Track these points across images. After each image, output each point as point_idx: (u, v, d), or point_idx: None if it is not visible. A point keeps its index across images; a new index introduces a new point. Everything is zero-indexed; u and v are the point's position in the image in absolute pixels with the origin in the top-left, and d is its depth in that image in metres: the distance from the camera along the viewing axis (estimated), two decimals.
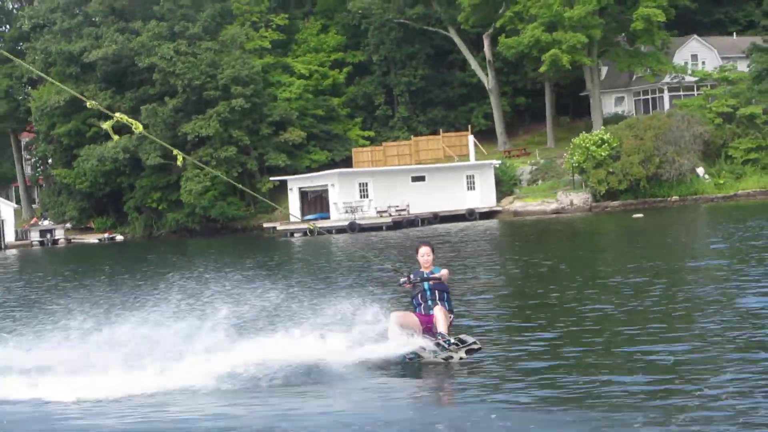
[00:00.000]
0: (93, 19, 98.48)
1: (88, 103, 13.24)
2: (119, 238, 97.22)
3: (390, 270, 17.84)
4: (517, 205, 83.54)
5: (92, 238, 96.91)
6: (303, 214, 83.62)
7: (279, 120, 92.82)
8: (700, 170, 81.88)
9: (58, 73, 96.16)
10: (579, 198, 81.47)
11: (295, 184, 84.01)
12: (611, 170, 79.83)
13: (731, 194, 79.65)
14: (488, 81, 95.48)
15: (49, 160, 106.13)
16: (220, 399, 13.66)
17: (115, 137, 13.27)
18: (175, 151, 13.68)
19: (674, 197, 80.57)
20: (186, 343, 15.78)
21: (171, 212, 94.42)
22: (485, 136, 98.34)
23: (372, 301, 16.71)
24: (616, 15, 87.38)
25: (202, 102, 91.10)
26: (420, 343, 15.12)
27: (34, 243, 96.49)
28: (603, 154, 79.69)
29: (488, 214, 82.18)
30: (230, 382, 14.27)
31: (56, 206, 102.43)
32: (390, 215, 77.58)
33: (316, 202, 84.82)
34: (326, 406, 12.92)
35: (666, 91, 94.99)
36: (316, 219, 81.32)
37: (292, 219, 77.88)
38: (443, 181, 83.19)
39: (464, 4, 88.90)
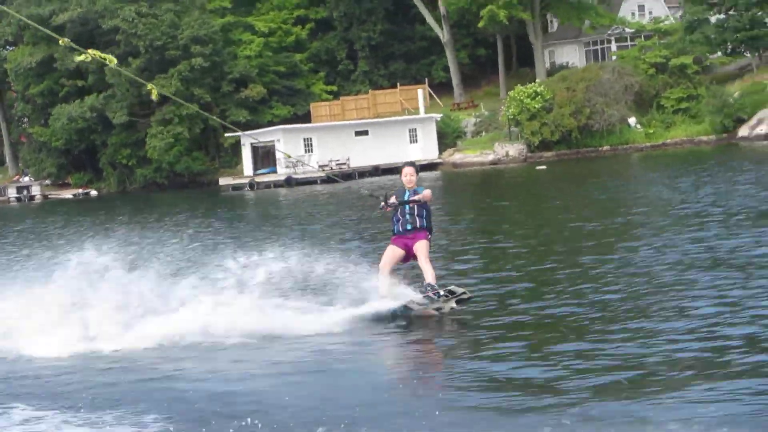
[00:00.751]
0: None
1: (61, 41, 13.17)
2: (93, 193, 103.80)
3: (368, 196, 17.39)
4: (457, 157, 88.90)
5: (67, 194, 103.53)
6: (255, 168, 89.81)
7: (240, 77, 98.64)
8: (632, 120, 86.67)
9: (31, 36, 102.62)
10: (514, 149, 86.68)
11: (248, 140, 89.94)
12: (544, 122, 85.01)
13: (659, 143, 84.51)
14: (443, 35, 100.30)
15: (26, 119, 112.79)
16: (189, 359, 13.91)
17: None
18: (149, 85, 13.82)
19: (605, 147, 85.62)
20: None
21: (140, 168, 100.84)
22: (445, 88, 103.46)
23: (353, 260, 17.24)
24: None
25: (164, 62, 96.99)
26: (409, 297, 15.59)
27: (11, 199, 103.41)
28: (536, 106, 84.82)
29: (429, 167, 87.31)
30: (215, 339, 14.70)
31: (36, 163, 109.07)
32: (331, 169, 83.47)
33: (267, 156, 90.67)
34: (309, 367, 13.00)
35: (613, 42, 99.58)
36: (265, 173, 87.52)
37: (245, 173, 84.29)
38: (386, 136, 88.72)
39: None
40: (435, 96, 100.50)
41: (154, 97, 14.23)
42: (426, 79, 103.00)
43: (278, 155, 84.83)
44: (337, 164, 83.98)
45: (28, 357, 14.63)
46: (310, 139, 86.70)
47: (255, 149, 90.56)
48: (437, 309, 15.52)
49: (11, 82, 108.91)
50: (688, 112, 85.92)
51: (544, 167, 70.88)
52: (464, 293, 15.46)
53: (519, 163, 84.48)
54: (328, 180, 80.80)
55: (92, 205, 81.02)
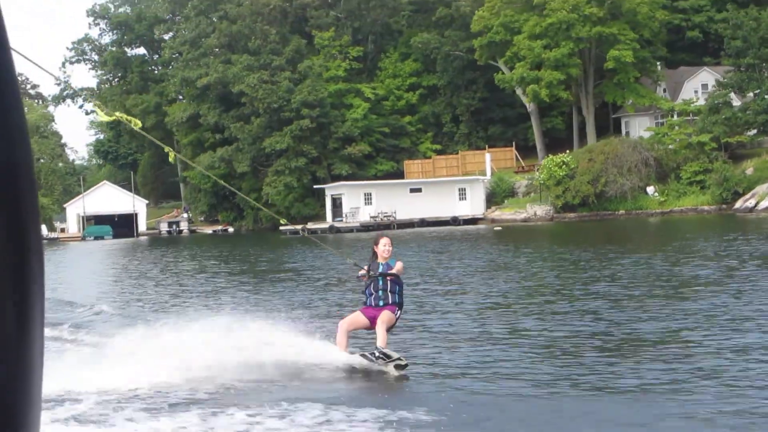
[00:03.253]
0: (214, 50, 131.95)
1: (92, 104, 18.61)
2: (230, 230, 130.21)
3: (350, 263, 18.98)
4: (496, 213, 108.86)
5: (209, 230, 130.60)
6: (334, 216, 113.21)
7: (344, 136, 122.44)
8: (650, 189, 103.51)
9: (189, 95, 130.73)
10: (542, 210, 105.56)
11: (329, 192, 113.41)
12: (567, 187, 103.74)
13: (668, 210, 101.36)
14: (528, 105, 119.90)
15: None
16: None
17: (114, 116, 13.16)
18: (167, 149, 14.79)
19: (621, 211, 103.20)
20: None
21: (262, 211, 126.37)
22: (533, 151, 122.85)
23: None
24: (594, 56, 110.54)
25: (281, 121, 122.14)
26: (355, 360, 16.83)
27: (162, 232, 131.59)
28: (561, 173, 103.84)
29: (472, 221, 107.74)
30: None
31: (194, 201, 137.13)
32: (381, 219, 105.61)
33: (341, 206, 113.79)
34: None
35: (676, 115, 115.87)
36: (337, 221, 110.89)
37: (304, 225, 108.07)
38: (437, 193, 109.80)
39: (474, 45, 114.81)
40: (520, 158, 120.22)
41: (171, 160, 15.08)
42: (514, 143, 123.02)
43: (343, 206, 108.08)
44: (384, 216, 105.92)
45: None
46: (370, 193, 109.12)
47: (333, 200, 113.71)
48: (380, 371, 16.34)
49: (174, 133, 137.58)
50: (701, 183, 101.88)
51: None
52: (399, 359, 16.20)
53: (545, 221, 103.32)
54: (363, 228, 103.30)
55: (221, 241, 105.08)
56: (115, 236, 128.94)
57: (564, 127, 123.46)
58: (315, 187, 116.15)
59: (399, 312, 17.11)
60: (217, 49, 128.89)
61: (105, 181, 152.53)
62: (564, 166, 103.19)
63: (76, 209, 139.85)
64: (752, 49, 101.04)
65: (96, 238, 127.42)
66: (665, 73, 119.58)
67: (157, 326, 19.00)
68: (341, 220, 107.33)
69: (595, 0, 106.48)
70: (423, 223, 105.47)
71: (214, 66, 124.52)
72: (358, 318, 17.19)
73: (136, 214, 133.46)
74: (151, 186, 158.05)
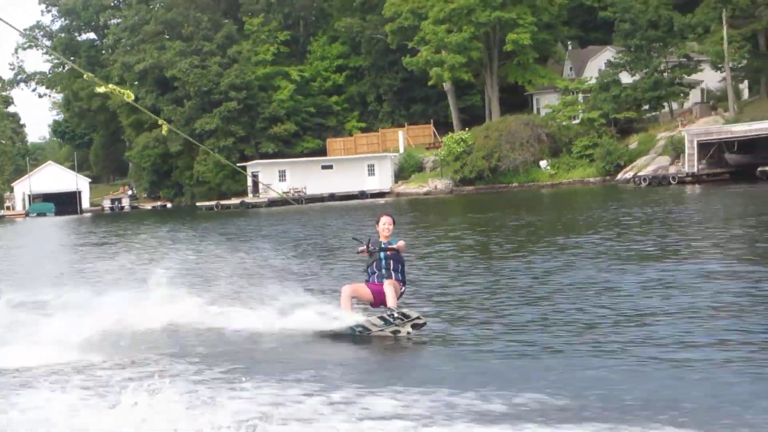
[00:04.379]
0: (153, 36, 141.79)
1: (85, 75, 14.70)
2: (168, 205, 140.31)
3: (351, 238, 19.03)
4: (402, 188, 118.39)
5: (149, 206, 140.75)
6: (254, 192, 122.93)
7: (271, 117, 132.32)
8: (543, 162, 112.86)
9: (129, 79, 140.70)
10: (442, 184, 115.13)
11: (249, 170, 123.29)
12: (464, 162, 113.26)
13: (557, 182, 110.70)
14: (445, 84, 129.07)
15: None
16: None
17: (107, 87, 13.67)
18: (160, 120, 15.53)
19: (515, 184, 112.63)
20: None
21: (197, 187, 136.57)
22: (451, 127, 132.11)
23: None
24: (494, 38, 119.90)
25: (211, 103, 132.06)
26: (366, 317, 17.13)
27: (105, 209, 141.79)
28: (459, 150, 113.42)
29: (379, 194, 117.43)
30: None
31: (138, 179, 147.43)
32: (291, 195, 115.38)
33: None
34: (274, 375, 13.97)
35: (581, 95, 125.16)
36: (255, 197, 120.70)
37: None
38: (348, 170, 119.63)
39: (386, 30, 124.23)
40: (437, 135, 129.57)
41: (164, 132, 15.71)
42: (432, 120, 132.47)
43: (249, 182, 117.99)
44: (295, 191, 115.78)
45: None
46: (284, 171, 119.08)
47: (255, 176, 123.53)
48: (394, 332, 16.73)
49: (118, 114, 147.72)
50: (590, 157, 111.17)
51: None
52: (418, 318, 16.68)
53: (445, 195, 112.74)
54: (270, 204, 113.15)
55: (156, 216, 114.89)
56: (59, 213, 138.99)
57: (481, 105, 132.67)
58: (238, 165, 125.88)
59: (404, 287, 17.65)
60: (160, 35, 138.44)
61: (50, 161, 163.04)
62: (462, 142, 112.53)
63: (22, 188, 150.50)
64: (640, 31, 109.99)
65: (39, 215, 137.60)
66: (574, 53, 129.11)
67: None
68: (258, 196, 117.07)
69: None
70: (333, 197, 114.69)
71: (150, 52, 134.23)
72: (362, 287, 17.56)
73: (79, 192, 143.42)
74: (102, 164, 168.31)
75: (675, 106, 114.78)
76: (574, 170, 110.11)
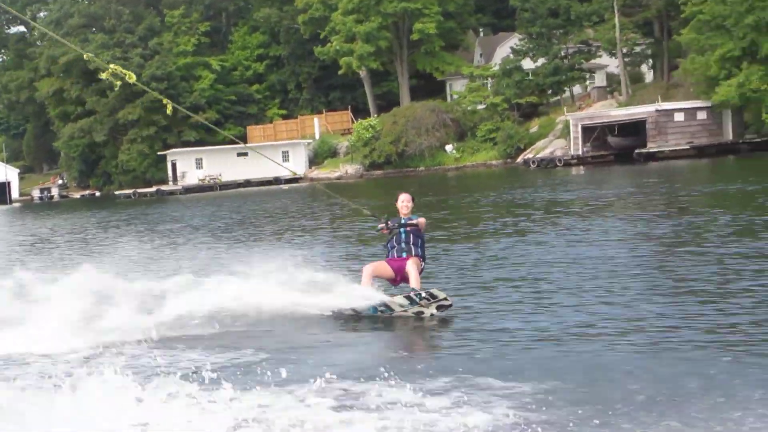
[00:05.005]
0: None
1: (85, 56, 15.65)
2: (97, 194, 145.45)
3: (368, 215, 19.16)
4: (315, 173, 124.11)
5: (77, 195, 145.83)
6: (174, 180, 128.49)
7: (191, 106, 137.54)
8: (449, 147, 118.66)
9: (55, 71, 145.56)
10: (353, 168, 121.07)
11: (169, 158, 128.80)
12: (373, 148, 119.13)
13: (462, 165, 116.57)
14: (361, 72, 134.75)
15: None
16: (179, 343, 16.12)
17: (117, 82, 14.42)
18: (165, 100, 15.84)
19: (421, 168, 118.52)
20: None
21: (123, 175, 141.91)
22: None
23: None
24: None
25: (133, 93, 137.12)
26: (390, 296, 17.27)
27: (35, 198, 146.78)
28: (368, 135, 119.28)
29: (293, 180, 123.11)
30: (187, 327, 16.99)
31: (69, 168, 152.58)
32: (207, 181, 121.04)
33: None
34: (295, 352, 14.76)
35: (489, 81, 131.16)
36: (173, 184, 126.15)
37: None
38: (262, 157, 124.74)
39: (299, 21, 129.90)
40: (355, 121, 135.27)
41: (168, 111, 16.10)
42: (350, 106, 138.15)
43: (169, 169, 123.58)
44: (210, 178, 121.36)
45: None
46: (201, 158, 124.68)
47: (173, 164, 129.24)
48: (417, 313, 16.87)
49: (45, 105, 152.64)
50: (493, 140, 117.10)
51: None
52: (445, 299, 16.77)
53: (356, 179, 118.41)
54: (185, 191, 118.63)
55: (84, 205, 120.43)
56: None
57: (398, 91, 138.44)
58: (158, 153, 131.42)
59: (423, 264, 17.79)
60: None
61: None
62: (371, 128, 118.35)
63: None
64: (540, 19, 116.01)
65: None
66: (485, 40, 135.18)
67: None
68: (176, 183, 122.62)
69: None
70: (248, 183, 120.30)
71: (74, 44, 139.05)
72: (383, 265, 17.70)
73: (8, 183, 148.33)
74: (35, 154, 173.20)
75: (580, 90, 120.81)
76: (478, 153, 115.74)
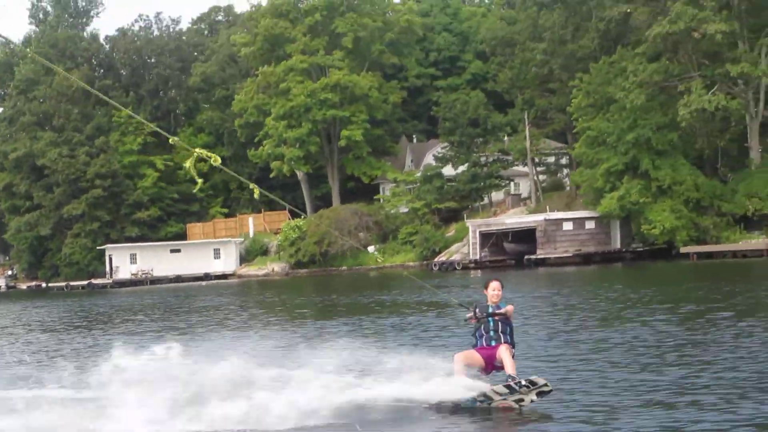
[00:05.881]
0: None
1: (170, 140, 15.06)
2: (43, 285, 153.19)
3: (457, 305, 19.27)
4: (244, 270, 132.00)
5: (24, 286, 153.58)
6: (111, 274, 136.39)
7: (134, 203, 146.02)
8: (371, 247, 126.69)
9: (8, 166, 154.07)
10: (279, 266, 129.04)
11: (107, 252, 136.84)
12: (299, 248, 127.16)
13: (381, 266, 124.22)
14: (299, 173, 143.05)
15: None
16: None
17: (200, 181, 15.46)
18: (252, 185, 16.74)
19: (344, 267, 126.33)
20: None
21: (67, 268, 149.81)
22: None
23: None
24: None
25: (79, 189, 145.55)
26: (489, 386, 17.31)
27: None
28: (294, 235, 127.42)
29: (223, 276, 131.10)
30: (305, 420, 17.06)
31: (19, 259, 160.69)
32: (139, 276, 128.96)
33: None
34: None
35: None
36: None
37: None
38: (195, 253, 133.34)
39: (236, 125, 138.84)
40: (293, 218, 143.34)
41: (256, 195, 18.24)
42: (287, 206, 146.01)
43: (107, 264, 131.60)
44: (143, 273, 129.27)
45: None
46: (135, 254, 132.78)
47: (110, 258, 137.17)
48: (518, 401, 16.86)
49: None
50: (412, 243, 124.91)
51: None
52: (545, 385, 16.87)
53: (282, 276, 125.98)
54: (117, 285, 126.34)
55: (26, 296, 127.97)
56: None
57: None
58: (98, 248, 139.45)
59: (514, 351, 17.74)
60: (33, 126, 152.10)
61: None
62: (297, 229, 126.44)
63: None
64: (460, 128, 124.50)
65: None
66: (418, 146, 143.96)
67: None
68: (109, 278, 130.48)
69: (332, 87, 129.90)
70: (179, 279, 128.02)
71: (23, 141, 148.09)
72: (473, 354, 17.74)
73: None
74: None
75: (502, 196, 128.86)
76: (398, 255, 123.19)
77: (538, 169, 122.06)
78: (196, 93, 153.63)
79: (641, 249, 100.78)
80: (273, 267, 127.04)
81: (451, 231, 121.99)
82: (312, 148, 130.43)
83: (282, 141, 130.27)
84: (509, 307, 17.84)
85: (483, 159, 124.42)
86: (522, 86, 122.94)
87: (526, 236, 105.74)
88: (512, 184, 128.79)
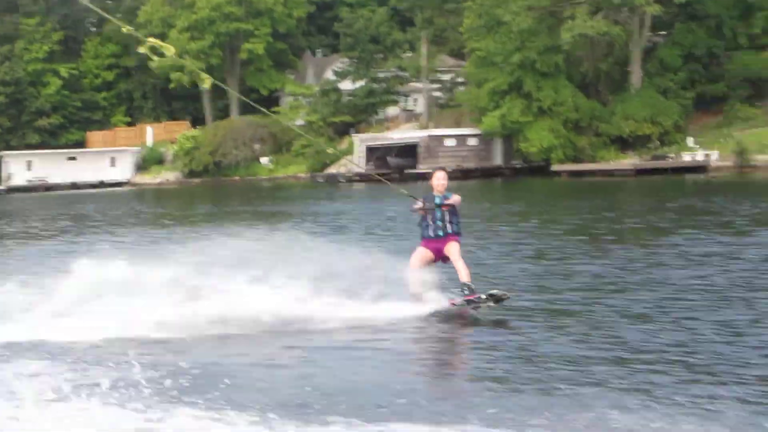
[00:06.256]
0: None
1: (124, 29, 15.43)
2: None
3: (405, 195, 18.86)
4: (138, 178, 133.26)
5: None
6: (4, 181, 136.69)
7: (36, 110, 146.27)
8: (264, 159, 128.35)
9: None
10: (173, 176, 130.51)
11: (3, 159, 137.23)
12: (192, 157, 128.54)
13: (274, 177, 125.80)
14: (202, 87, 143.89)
15: None
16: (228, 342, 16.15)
17: (155, 58, 15.61)
18: (202, 75, 16.65)
19: (236, 177, 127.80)
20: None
21: None
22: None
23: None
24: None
25: None
26: (449, 301, 17.49)
27: None
28: (189, 145, 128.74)
29: (118, 184, 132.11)
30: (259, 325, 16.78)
31: None
32: (33, 183, 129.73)
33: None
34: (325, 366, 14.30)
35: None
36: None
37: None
38: (91, 161, 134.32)
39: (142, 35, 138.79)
40: (193, 128, 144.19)
41: (206, 85, 17.17)
42: (190, 116, 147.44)
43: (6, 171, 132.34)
44: (38, 180, 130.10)
45: None
46: (31, 161, 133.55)
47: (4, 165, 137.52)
48: (474, 307, 17.38)
49: None
50: (305, 155, 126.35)
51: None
52: (504, 294, 17.34)
53: (176, 185, 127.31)
54: (8, 191, 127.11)
55: None
56: None
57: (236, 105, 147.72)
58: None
59: (460, 240, 17.81)
60: None
61: None
62: (192, 139, 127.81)
63: None
64: (361, 44, 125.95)
65: None
66: (320, 60, 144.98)
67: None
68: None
69: (236, 1, 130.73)
70: (74, 186, 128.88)
71: None
72: (424, 254, 17.87)
73: None
74: None
75: (398, 112, 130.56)
76: (290, 166, 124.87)
77: (434, 86, 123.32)
78: (107, 1, 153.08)
79: (520, 166, 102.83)
80: (167, 176, 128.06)
81: (344, 145, 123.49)
82: (214, 60, 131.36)
83: (185, 52, 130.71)
84: (456, 197, 18.05)
85: (381, 75, 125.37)
86: (422, 5, 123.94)
87: (411, 151, 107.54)
88: (411, 100, 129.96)
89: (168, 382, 13.20)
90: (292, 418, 11.39)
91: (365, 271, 18.06)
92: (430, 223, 17.89)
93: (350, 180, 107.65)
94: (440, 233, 17.79)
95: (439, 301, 17.63)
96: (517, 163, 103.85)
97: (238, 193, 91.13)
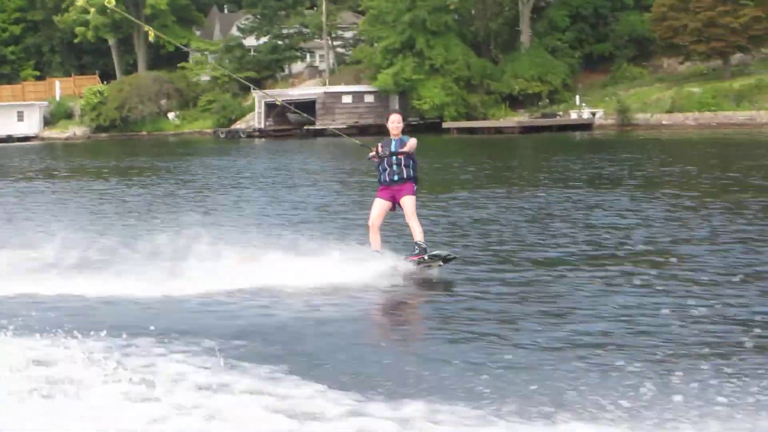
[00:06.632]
0: None
1: None
2: None
3: (359, 144, 19.45)
4: (46, 133, 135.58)
5: None
6: None
7: None
8: (171, 114, 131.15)
9: None
10: (80, 130, 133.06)
11: None
12: (100, 112, 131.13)
13: (181, 132, 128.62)
14: (109, 39, 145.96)
15: None
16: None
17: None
18: (146, 27, 16.59)
19: (144, 132, 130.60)
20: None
21: None
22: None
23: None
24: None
25: None
26: (399, 263, 17.36)
27: None
28: (96, 100, 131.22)
29: (25, 138, 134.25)
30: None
31: None
32: None
33: None
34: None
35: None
36: None
37: None
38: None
39: None
40: (102, 83, 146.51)
41: (151, 38, 16.90)
42: (98, 71, 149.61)
43: None
44: None
45: None
46: None
47: None
48: (427, 266, 17.52)
49: None
50: (211, 111, 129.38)
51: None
52: (449, 255, 17.68)
53: (84, 140, 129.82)
54: None
55: None
56: None
57: (145, 59, 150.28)
58: None
59: (416, 187, 17.93)
60: None
61: None
62: (99, 94, 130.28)
63: None
64: (263, 0, 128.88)
65: None
66: (227, 16, 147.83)
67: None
68: None
69: None
70: None
71: None
72: (382, 207, 17.92)
73: None
74: None
75: (303, 68, 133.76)
76: (196, 122, 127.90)
77: (336, 43, 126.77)
78: None
79: (415, 122, 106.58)
80: (74, 131, 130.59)
81: (249, 101, 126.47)
82: (117, 15, 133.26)
83: (91, 6, 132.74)
84: (412, 141, 17.97)
85: (285, 31, 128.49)
86: None
87: (309, 108, 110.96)
88: (318, 56, 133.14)
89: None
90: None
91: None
92: (387, 167, 17.95)
93: (251, 135, 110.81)
94: (396, 178, 17.87)
95: (396, 260, 17.59)
96: (413, 119, 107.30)
97: (145, 148, 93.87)
